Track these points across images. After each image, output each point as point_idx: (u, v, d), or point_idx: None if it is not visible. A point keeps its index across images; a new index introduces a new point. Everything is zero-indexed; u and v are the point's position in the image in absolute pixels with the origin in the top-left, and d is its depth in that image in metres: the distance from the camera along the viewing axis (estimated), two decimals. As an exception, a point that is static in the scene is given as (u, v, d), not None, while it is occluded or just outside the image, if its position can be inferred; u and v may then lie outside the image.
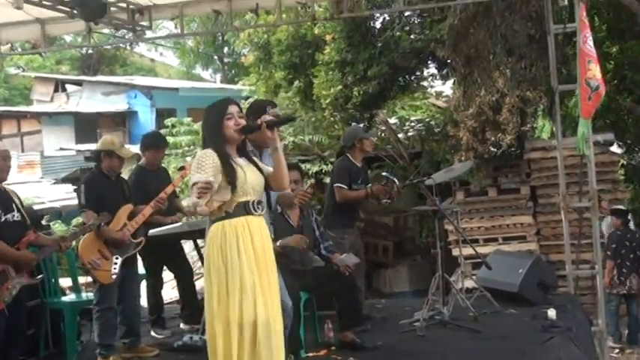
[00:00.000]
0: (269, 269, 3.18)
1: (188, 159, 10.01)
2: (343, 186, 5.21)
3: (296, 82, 9.52)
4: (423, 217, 9.73)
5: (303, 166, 8.45)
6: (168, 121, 11.31)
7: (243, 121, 3.26)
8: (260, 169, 3.32)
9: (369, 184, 5.34)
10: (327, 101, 8.88)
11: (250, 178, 3.24)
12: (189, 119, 11.38)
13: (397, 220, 10.47)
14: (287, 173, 3.34)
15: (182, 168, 4.83)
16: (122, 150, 4.61)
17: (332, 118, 9.57)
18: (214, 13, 6.39)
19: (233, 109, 3.25)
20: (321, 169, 9.67)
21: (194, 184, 3.03)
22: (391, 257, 10.31)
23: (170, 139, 10.10)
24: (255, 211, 3.21)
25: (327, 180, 7.83)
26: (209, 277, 3.11)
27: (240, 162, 3.25)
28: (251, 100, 9.05)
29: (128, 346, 4.77)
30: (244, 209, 3.18)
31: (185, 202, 3.65)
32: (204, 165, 3.09)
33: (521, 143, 8.73)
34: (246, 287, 3.06)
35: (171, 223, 4.90)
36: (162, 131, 10.10)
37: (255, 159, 3.32)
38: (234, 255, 3.08)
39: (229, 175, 3.11)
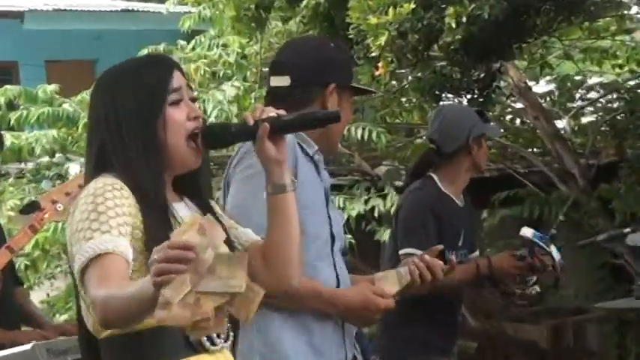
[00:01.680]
0: None
1: (45, 184, 6.34)
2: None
3: None
4: (623, 323, 6.72)
5: None
6: None
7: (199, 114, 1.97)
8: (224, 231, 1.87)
9: (475, 254, 3.73)
10: (381, 41, 4.81)
11: None
12: (51, 87, 6.93)
13: (557, 331, 6.91)
14: (298, 245, 2.06)
15: (31, 207, 3.32)
16: None
17: (393, 82, 5.95)
18: None
19: (178, 78, 1.96)
20: (372, 208, 5.94)
21: (95, 256, 1.79)
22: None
23: (6, 137, 5.89)
24: (214, 343, 1.92)
25: (386, 235, 5.40)
26: None
27: (181, 211, 1.98)
28: (204, 40, 6.84)
29: None
30: (185, 339, 1.86)
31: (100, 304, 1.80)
32: (107, 206, 1.83)
33: None
34: None
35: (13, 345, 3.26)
36: None
37: (215, 207, 2.09)
38: None
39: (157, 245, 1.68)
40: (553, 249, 3.64)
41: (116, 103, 1.92)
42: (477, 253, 3.77)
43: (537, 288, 3.86)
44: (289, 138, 2.34)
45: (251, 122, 1.94)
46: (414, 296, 3.46)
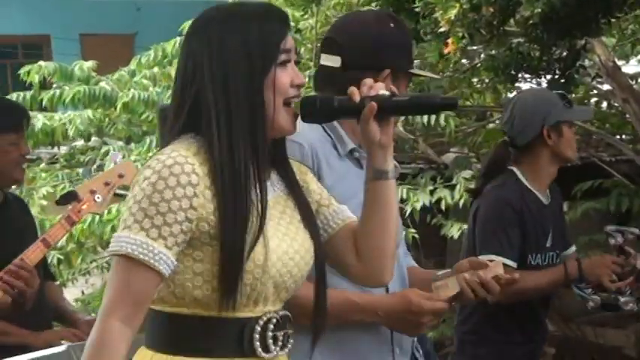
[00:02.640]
0: None
1: (84, 173, 5.94)
2: (505, 261, 3.43)
3: None
4: None
5: None
6: (26, 70, 6.97)
7: (301, 79, 1.95)
8: (311, 220, 1.99)
9: (570, 247, 3.78)
10: (451, 14, 4.94)
11: (276, 253, 1.89)
12: (88, 64, 6.94)
13: None
14: (396, 237, 2.07)
15: (69, 197, 3.34)
16: None
17: (464, 61, 6.28)
18: None
19: (289, 38, 1.94)
20: (438, 199, 5.94)
21: (123, 254, 1.80)
22: None
23: (37, 122, 6.43)
24: (268, 350, 1.89)
25: (454, 230, 5.71)
26: None
27: (269, 196, 1.91)
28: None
29: None
30: (237, 340, 1.87)
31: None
32: (163, 197, 1.79)
33: None
34: None
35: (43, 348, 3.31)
36: (15, 97, 6.67)
37: (305, 179, 2.07)
38: None
39: (229, 240, 1.82)
40: None
41: (224, 53, 1.88)
42: (572, 248, 3.75)
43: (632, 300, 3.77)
44: (313, 140, 2.35)
45: (357, 99, 1.92)
46: (492, 304, 3.47)
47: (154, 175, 1.80)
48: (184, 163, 1.80)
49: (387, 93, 1.93)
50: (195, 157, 1.82)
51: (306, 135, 2.36)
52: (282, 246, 1.91)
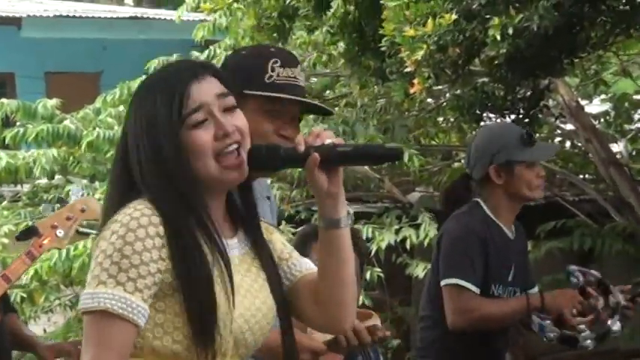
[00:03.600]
0: None
1: (44, 209, 6.44)
2: (468, 285, 3.44)
3: (335, 7, 5.61)
4: None
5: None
6: None
7: (239, 123, 1.92)
8: (275, 279, 2.00)
9: (533, 287, 3.74)
10: (418, 55, 4.78)
11: (238, 309, 1.91)
12: (52, 102, 7.01)
13: None
14: (355, 280, 2.05)
15: (29, 233, 3.45)
16: None
17: (429, 100, 6.51)
18: None
19: (204, 88, 1.90)
20: (403, 239, 6.05)
21: (98, 310, 1.81)
22: None
23: (0, 157, 6.53)
24: None
25: (419, 270, 5.79)
26: None
27: (231, 252, 1.94)
28: (219, 51, 6.98)
29: None
30: None
31: None
32: (134, 249, 1.82)
33: None
34: None
35: None
36: None
37: (265, 238, 2.05)
38: None
39: (185, 295, 1.84)
40: (605, 279, 3.63)
41: (137, 122, 1.91)
42: (535, 289, 3.75)
43: (591, 338, 3.78)
44: None
45: (301, 149, 1.91)
46: (452, 330, 3.48)
47: (122, 228, 1.81)
48: (151, 215, 1.82)
49: (332, 143, 1.92)
50: (155, 212, 1.84)
51: None
52: (245, 302, 1.92)
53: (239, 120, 1.90)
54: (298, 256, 2.10)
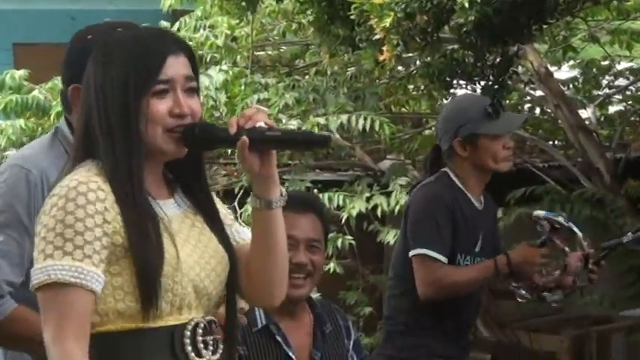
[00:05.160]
0: None
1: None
2: (436, 255, 3.42)
3: None
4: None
5: (326, 198, 5.68)
6: None
7: (194, 107, 1.96)
8: (222, 234, 2.03)
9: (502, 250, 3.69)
10: (386, 22, 4.84)
11: (192, 257, 1.94)
12: (20, 72, 6.94)
13: (579, 341, 6.84)
14: (286, 259, 2.08)
15: None
16: None
17: (400, 68, 6.32)
18: None
19: (176, 65, 1.95)
20: (375, 206, 6.00)
21: (50, 282, 1.81)
22: None
23: None
24: (200, 355, 1.93)
25: (390, 237, 5.67)
26: None
27: (169, 210, 1.97)
28: (188, 20, 6.68)
29: None
30: (169, 348, 1.89)
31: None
32: (77, 217, 1.83)
33: None
34: None
35: None
36: None
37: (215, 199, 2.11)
38: None
39: (139, 247, 1.86)
40: (573, 226, 3.62)
41: (105, 83, 1.94)
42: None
43: (558, 291, 3.80)
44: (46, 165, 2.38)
45: (233, 130, 1.94)
46: (422, 300, 3.48)
47: (60, 200, 1.84)
48: (88, 182, 1.85)
49: (264, 125, 1.95)
50: (97, 176, 1.87)
51: (38, 160, 2.42)
52: (197, 252, 1.96)
53: (195, 104, 1.96)
54: (239, 226, 2.13)
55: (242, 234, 2.11)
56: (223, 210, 2.12)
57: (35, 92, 6.41)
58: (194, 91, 1.98)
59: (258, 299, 2.13)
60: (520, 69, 5.97)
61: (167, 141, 1.94)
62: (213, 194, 2.13)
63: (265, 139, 1.95)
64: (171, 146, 1.94)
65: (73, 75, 2.44)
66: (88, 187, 1.85)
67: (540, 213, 3.72)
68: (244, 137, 1.92)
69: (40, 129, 6.38)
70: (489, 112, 3.63)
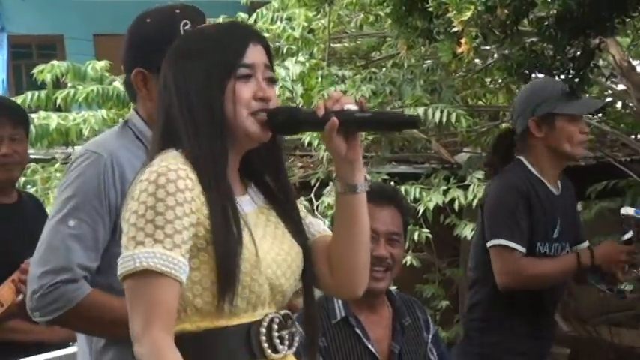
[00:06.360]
0: None
1: None
2: (514, 245, 3.30)
3: None
4: None
5: (403, 191, 5.44)
6: (40, 69, 6.85)
7: (272, 95, 1.93)
8: (297, 227, 1.98)
9: (583, 242, 3.59)
10: (465, 15, 4.69)
11: (269, 254, 1.89)
12: (101, 63, 6.94)
13: None
14: (369, 246, 2.03)
15: None
16: None
17: (477, 60, 6.22)
18: None
19: (257, 53, 1.93)
20: (451, 199, 5.78)
21: (140, 270, 1.78)
22: None
23: (51, 122, 6.38)
24: (276, 350, 1.88)
25: (467, 230, 5.42)
26: None
27: (245, 206, 1.93)
28: (265, 12, 6.67)
29: None
30: (246, 345, 1.84)
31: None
32: (167, 205, 1.78)
33: None
34: None
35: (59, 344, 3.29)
36: (22, 99, 6.46)
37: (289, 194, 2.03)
38: None
39: (221, 240, 1.81)
40: None
41: (186, 72, 1.92)
42: (585, 244, 3.64)
43: None
44: (114, 149, 2.34)
45: (321, 113, 1.90)
46: (501, 290, 3.41)
47: (151, 186, 1.80)
48: (177, 169, 1.81)
49: (353, 107, 1.91)
50: (184, 165, 1.83)
51: (108, 144, 2.37)
52: (274, 248, 1.92)
53: (274, 94, 1.94)
54: (313, 218, 2.10)
55: (316, 226, 2.08)
56: (300, 206, 2.08)
57: (116, 83, 6.46)
58: (272, 81, 1.96)
59: (341, 289, 2.09)
60: (601, 62, 5.81)
61: (253, 123, 1.91)
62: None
63: (355, 120, 1.91)
64: (257, 129, 1.92)
65: (136, 59, 2.42)
66: (178, 175, 1.82)
67: (629, 211, 3.61)
68: (334, 118, 1.89)
69: (120, 119, 6.39)
70: (567, 92, 3.54)
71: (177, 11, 2.46)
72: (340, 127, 1.89)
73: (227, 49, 1.92)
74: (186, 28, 2.40)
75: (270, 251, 1.92)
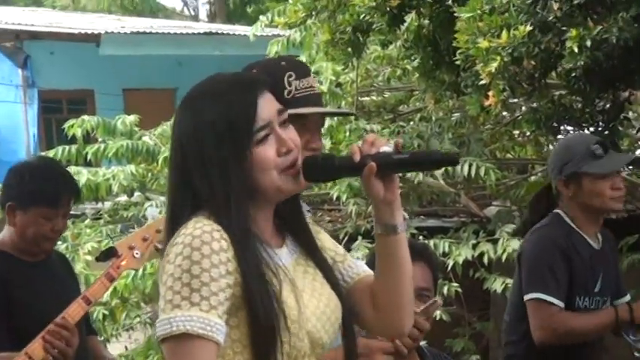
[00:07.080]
0: None
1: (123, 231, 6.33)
2: (552, 299, 3.30)
3: (409, 21, 5.50)
4: None
5: (432, 245, 5.43)
6: (70, 124, 6.88)
7: (295, 138, 1.90)
8: (330, 277, 1.97)
9: (624, 296, 3.59)
10: (492, 67, 4.68)
11: (309, 308, 1.89)
12: (131, 118, 6.94)
13: None
14: (412, 283, 2.02)
15: (108, 254, 3.44)
16: None
17: (505, 113, 6.36)
18: None
19: (267, 104, 1.88)
20: (481, 253, 5.74)
21: (177, 334, 1.78)
22: None
23: (81, 177, 6.26)
24: None
25: (497, 284, 5.41)
26: None
27: (284, 258, 1.92)
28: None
29: None
30: None
31: None
32: (203, 267, 1.78)
33: None
34: None
35: None
36: (53, 154, 6.50)
37: (320, 239, 2.05)
38: None
39: (256, 303, 1.81)
40: None
41: (198, 137, 1.86)
42: (627, 297, 3.59)
43: None
44: None
45: (357, 158, 1.89)
46: (538, 346, 3.36)
47: (186, 249, 1.78)
48: (211, 231, 1.79)
49: (388, 149, 1.89)
50: (218, 226, 1.81)
51: None
52: (313, 301, 1.90)
53: (293, 133, 1.90)
54: (352, 259, 2.08)
55: (356, 268, 2.06)
56: (329, 243, 2.07)
57: (145, 138, 6.47)
58: (287, 122, 1.92)
59: (388, 329, 2.08)
60: (631, 115, 5.77)
61: (286, 180, 1.89)
62: (321, 229, 2.09)
63: (393, 162, 1.90)
64: (291, 185, 1.89)
65: None
66: (212, 237, 1.80)
67: None
68: (372, 163, 1.87)
69: (149, 174, 6.44)
70: (592, 150, 3.51)
71: (283, 63, 2.50)
72: (378, 170, 1.89)
73: (239, 114, 1.85)
74: (290, 79, 2.45)
75: (309, 304, 1.90)
